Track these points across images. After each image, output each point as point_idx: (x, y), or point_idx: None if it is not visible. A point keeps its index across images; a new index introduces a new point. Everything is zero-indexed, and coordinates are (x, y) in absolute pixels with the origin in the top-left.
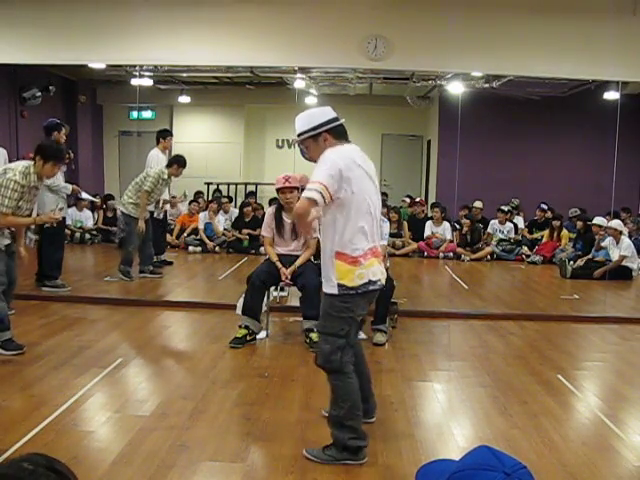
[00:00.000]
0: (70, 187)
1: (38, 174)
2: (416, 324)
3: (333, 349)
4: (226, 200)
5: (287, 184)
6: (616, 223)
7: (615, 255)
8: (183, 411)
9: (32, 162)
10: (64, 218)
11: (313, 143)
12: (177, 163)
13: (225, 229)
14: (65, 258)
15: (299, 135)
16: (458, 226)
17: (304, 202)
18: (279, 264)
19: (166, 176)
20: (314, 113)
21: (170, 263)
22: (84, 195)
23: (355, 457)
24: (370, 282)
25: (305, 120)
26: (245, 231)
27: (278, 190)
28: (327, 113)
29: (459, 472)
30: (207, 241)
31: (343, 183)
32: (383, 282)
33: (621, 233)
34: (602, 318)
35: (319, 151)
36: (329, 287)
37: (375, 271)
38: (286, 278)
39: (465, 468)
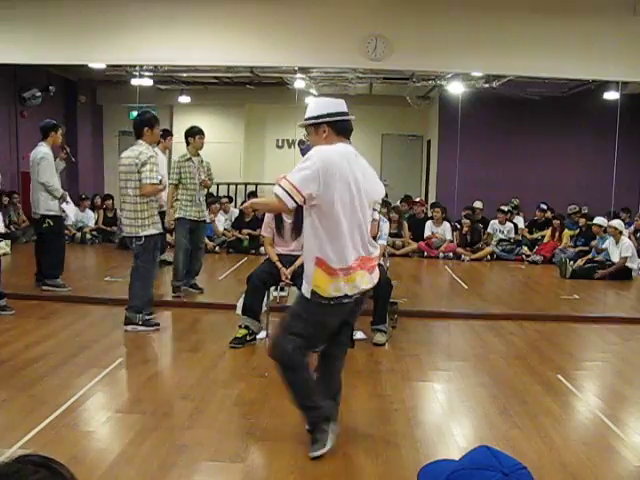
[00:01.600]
0: (61, 192)
1: None
2: (416, 324)
3: (293, 347)
4: (226, 200)
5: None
6: (617, 222)
7: (615, 256)
8: (183, 411)
9: None
10: (61, 217)
11: (313, 132)
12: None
13: (225, 229)
14: (66, 258)
15: (305, 120)
16: (458, 226)
17: (271, 199)
18: (279, 264)
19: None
20: (324, 103)
21: (170, 263)
22: (64, 205)
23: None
24: (346, 296)
25: (313, 107)
26: (245, 231)
27: None
28: (336, 106)
29: (457, 471)
30: (207, 241)
31: (322, 187)
32: (367, 288)
33: (621, 233)
34: (602, 318)
35: (317, 142)
36: (304, 289)
37: (357, 284)
38: (286, 278)
39: (464, 468)
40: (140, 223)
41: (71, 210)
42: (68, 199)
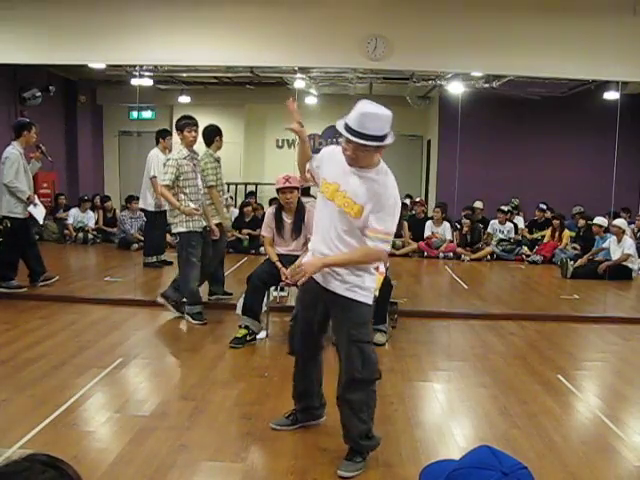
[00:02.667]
0: (27, 194)
1: None
2: (416, 324)
3: (375, 357)
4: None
5: (287, 184)
6: (620, 222)
7: (617, 255)
8: (183, 411)
9: None
10: (25, 220)
11: (372, 151)
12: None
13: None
14: (66, 258)
15: (367, 137)
16: (458, 226)
17: (381, 253)
18: (279, 264)
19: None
20: (388, 116)
21: (170, 263)
22: (31, 208)
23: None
24: None
25: (384, 122)
26: (245, 231)
27: (278, 190)
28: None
29: (457, 470)
30: None
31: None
32: None
33: (624, 232)
34: (602, 318)
35: (368, 161)
36: (363, 296)
37: None
38: (286, 278)
39: (464, 466)
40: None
41: (39, 213)
42: (36, 201)
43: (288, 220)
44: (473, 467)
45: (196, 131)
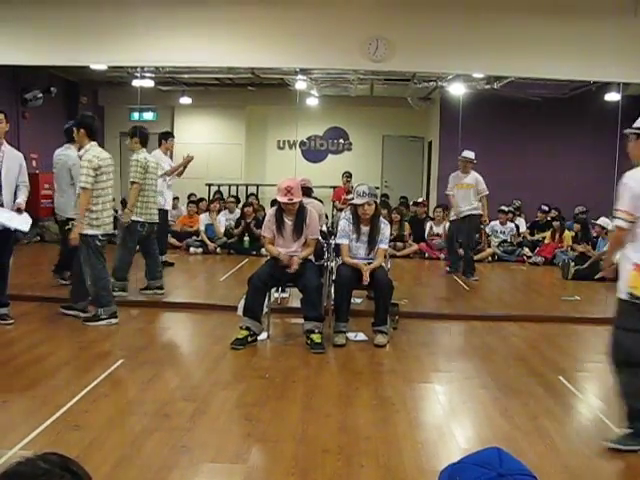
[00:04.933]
0: None
1: None
2: (417, 325)
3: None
4: (233, 200)
5: (289, 199)
6: (603, 220)
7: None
8: (184, 412)
9: None
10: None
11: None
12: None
13: (230, 228)
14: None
15: None
16: None
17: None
18: (283, 256)
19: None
20: None
21: (171, 264)
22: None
23: None
24: None
25: None
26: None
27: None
28: None
29: (458, 464)
30: (208, 242)
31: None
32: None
33: None
34: (603, 319)
35: (636, 152)
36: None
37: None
38: (291, 266)
39: (465, 462)
40: None
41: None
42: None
43: (289, 221)
44: (473, 464)
45: None
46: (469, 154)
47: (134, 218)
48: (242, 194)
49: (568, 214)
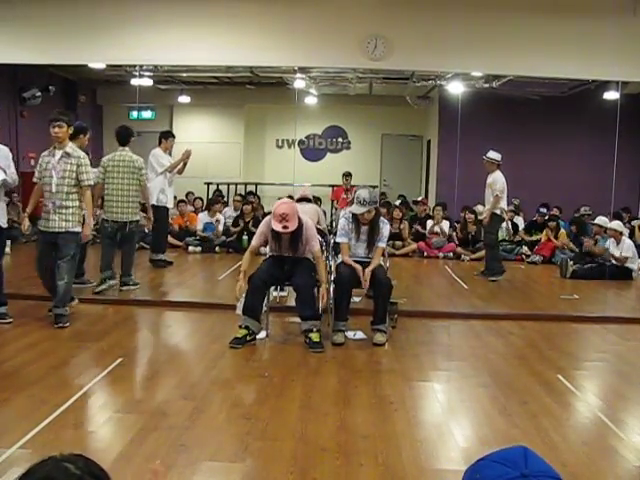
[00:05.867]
0: None
1: None
2: (416, 324)
3: None
4: (239, 199)
5: (284, 227)
6: (616, 224)
7: (616, 255)
8: (183, 411)
9: None
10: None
11: None
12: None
13: (229, 226)
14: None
15: None
16: (457, 225)
17: None
18: (244, 274)
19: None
20: None
21: (170, 263)
22: None
23: None
24: None
25: None
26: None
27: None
28: None
29: (483, 460)
30: (206, 237)
31: None
32: None
33: (621, 234)
34: (602, 318)
35: None
36: None
37: None
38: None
39: (490, 458)
40: None
41: None
42: None
43: (285, 236)
44: (497, 462)
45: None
46: (490, 154)
47: (103, 216)
48: (241, 193)
49: (566, 212)
